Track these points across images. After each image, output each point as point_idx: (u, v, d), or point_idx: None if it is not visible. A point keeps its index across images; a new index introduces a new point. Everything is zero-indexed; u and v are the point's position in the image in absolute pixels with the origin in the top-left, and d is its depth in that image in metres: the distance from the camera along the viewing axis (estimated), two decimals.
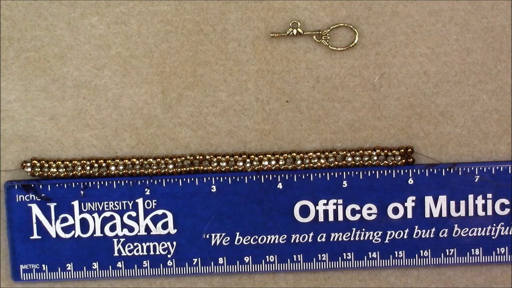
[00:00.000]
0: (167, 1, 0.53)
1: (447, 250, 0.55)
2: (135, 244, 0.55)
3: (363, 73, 0.54)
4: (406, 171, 0.54)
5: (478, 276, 0.57)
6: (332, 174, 0.54)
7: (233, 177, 0.54)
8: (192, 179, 0.54)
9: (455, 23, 0.54)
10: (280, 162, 0.54)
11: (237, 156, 0.54)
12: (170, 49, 0.54)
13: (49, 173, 0.54)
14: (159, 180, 0.54)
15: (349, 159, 0.54)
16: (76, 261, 0.55)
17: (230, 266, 0.55)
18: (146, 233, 0.55)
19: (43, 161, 0.54)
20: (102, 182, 0.54)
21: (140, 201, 0.54)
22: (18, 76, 0.54)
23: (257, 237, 0.55)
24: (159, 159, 0.54)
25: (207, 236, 0.55)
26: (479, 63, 0.54)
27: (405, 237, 0.55)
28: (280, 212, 0.55)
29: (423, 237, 0.55)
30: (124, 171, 0.54)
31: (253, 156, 0.54)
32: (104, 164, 0.54)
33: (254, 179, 0.54)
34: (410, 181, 0.54)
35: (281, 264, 0.55)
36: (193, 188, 0.54)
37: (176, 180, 0.54)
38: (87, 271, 0.55)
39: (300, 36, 0.54)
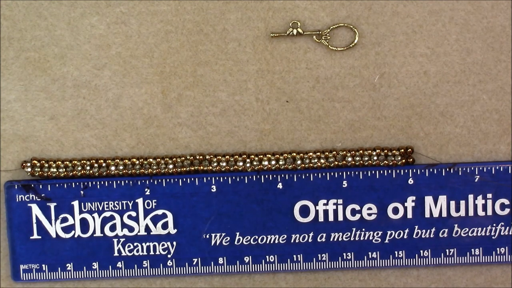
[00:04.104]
0: (167, 1, 0.53)
1: (447, 250, 0.55)
2: (135, 244, 0.55)
3: (363, 73, 0.54)
4: (406, 171, 0.54)
5: (478, 276, 0.57)
6: (332, 174, 0.54)
7: (233, 177, 0.54)
8: (192, 179, 0.54)
9: (455, 23, 0.54)
10: (280, 162, 0.54)
11: (237, 156, 0.54)
12: (170, 49, 0.54)
13: (49, 173, 0.54)
14: (159, 180, 0.54)
15: (349, 159, 0.54)
16: (76, 261, 0.55)
17: (230, 266, 0.55)
18: (146, 233, 0.55)
19: (43, 161, 0.54)
20: (102, 182, 0.54)
21: (140, 201, 0.54)
22: (18, 76, 0.54)
23: (257, 237, 0.55)
24: (159, 159, 0.54)
25: (207, 236, 0.55)
26: (479, 63, 0.54)
27: (405, 237, 0.55)
28: (280, 212, 0.55)
29: (423, 237, 0.55)
30: (124, 171, 0.54)
31: (253, 156, 0.54)
32: (104, 164, 0.54)
33: (254, 179, 0.54)
34: (410, 181, 0.54)
35: (281, 264, 0.55)
36: (193, 188, 0.54)
37: (176, 180, 0.54)
38: (87, 271, 0.55)
39: (300, 36, 0.54)
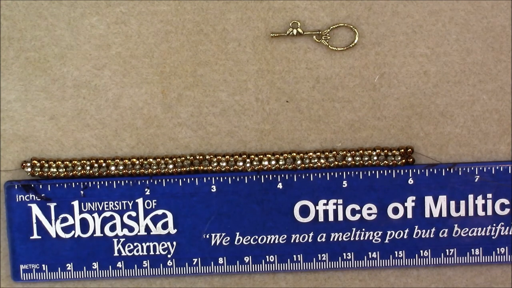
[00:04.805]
0: (167, 1, 0.53)
1: (447, 250, 0.55)
2: (135, 244, 0.55)
3: (363, 73, 0.54)
4: (406, 171, 0.54)
5: (478, 276, 0.57)
6: (332, 174, 0.54)
7: (233, 177, 0.54)
8: (192, 179, 0.54)
9: (455, 23, 0.54)
10: (280, 162, 0.54)
11: (237, 156, 0.54)
12: (170, 49, 0.54)
13: (49, 173, 0.54)
14: (159, 180, 0.54)
15: (349, 159, 0.54)
16: (76, 261, 0.55)
17: (230, 266, 0.55)
18: (146, 233, 0.55)
19: (43, 161, 0.54)
20: (102, 182, 0.54)
21: (140, 201, 0.54)
22: (18, 76, 0.54)
23: (257, 237, 0.55)
24: (159, 159, 0.54)
25: (207, 236, 0.55)
26: (479, 63, 0.54)
27: (405, 237, 0.55)
28: (280, 212, 0.55)
29: (423, 237, 0.55)
30: (124, 171, 0.54)
31: (253, 156, 0.54)
32: (104, 164, 0.54)
33: (254, 179, 0.54)
34: (410, 181, 0.54)
35: (281, 264, 0.55)
36: (193, 188, 0.54)
37: (176, 180, 0.54)
38: (87, 271, 0.55)
39: (300, 36, 0.54)
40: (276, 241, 0.55)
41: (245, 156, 0.54)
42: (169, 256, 0.55)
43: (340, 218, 0.55)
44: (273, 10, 0.53)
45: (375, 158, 0.54)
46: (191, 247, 0.55)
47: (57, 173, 0.54)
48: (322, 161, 0.54)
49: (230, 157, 0.54)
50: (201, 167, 0.54)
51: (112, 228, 0.55)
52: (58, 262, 0.55)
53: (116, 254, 0.55)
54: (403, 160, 0.54)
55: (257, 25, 0.53)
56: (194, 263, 0.55)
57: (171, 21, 0.53)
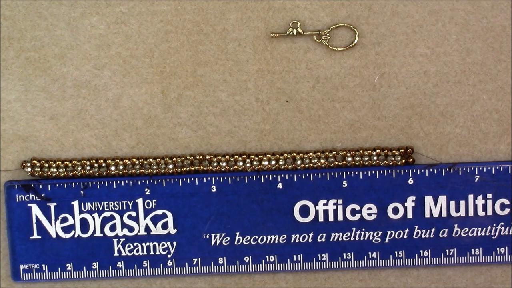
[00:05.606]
0: (167, 1, 0.53)
1: (447, 250, 0.55)
2: (135, 244, 0.55)
3: (363, 73, 0.54)
4: (406, 171, 0.54)
5: (478, 276, 0.57)
6: (332, 174, 0.54)
7: (233, 177, 0.54)
8: (192, 179, 0.54)
9: (455, 23, 0.54)
10: (280, 162, 0.54)
11: (237, 156, 0.54)
12: (170, 49, 0.54)
13: (49, 173, 0.54)
14: (159, 180, 0.54)
15: (349, 159, 0.54)
16: (76, 261, 0.55)
17: (230, 266, 0.55)
18: (146, 233, 0.55)
19: (43, 161, 0.54)
20: (102, 182, 0.54)
21: (140, 201, 0.54)
22: (18, 76, 0.54)
23: (257, 237, 0.55)
24: (159, 159, 0.54)
25: (207, 236, 0.55)
26: (479, 63, 0.54)
27: (405, 237, 0.55)
28: (280, 212, 0.55)
29: (423, 237, 0.55)
30: (124, 171, 0.54)
31: (253, 156, 0.54)
32: (104, 164, 0.54)
33: (254, 179, 0.54)
34: (410, 181, 0.54)
35: (281, 264, 0.55)
36: (193, 188, 0.54)
37: (176, 180, 0.54)
38: (87, 271, 0.55)
39: (300, 36, 0.54)
40: (276, 241, 0.55)
41: (245, 156, 0.54)
42: (169, 256, 0.55)
43: (340, 218, 0.55)
44: (273, 10, 0.53)
45: (375, 158, 0.54)
46: (191, 247, 0.55)
47: (57, 173, 0.54)
48: (322, 161, 0.54)
49: (230, 157, 0.54)
50: (201, 167, 0.54)
51: (112, 228, 0.55)
52: (58, 262, 0.55)
53: (116, 254, 0.55)
54: (403, 160, 0.54)
55: (257, 25, 0.53)
56: (194, 263, 0.55)
57: (171, 21, 0.53)
